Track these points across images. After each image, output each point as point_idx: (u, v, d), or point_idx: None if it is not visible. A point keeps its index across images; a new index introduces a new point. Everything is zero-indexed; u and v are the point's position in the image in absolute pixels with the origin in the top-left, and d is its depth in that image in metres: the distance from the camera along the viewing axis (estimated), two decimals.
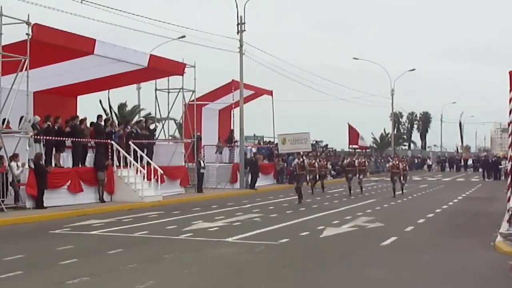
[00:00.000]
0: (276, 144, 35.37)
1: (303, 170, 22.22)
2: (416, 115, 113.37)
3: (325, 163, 29.89)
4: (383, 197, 23.73)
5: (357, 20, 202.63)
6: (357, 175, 26.44)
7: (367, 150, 62.68)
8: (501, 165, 40.77)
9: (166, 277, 8.63)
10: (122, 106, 42.71)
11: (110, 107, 40.34)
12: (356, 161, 27.24)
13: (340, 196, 24.63)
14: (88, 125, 21.67)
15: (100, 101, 38.42)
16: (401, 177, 25.02)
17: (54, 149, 19.70)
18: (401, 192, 24.83)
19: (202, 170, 26.13)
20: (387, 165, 34.47)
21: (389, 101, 60.03)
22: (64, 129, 20.19)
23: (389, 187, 25.26)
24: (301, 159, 22.59)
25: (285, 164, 33.99)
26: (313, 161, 27.79)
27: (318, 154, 38.99)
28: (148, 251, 10.86)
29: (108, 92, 35.88)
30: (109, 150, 21.19)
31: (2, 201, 16.78)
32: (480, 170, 47.13)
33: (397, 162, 25.88)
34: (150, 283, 8.10)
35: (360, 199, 23.61)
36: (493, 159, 46.10)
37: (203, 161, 26.90)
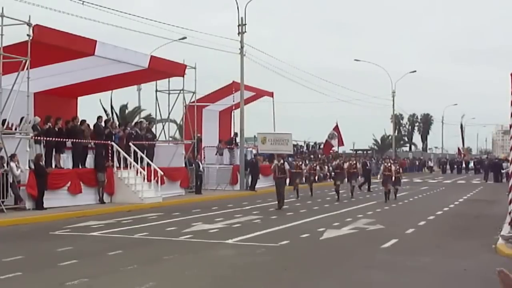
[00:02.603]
0: None
1: (283, 174, 20.61)
2: (417, 117, 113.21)
3: (314, 165, 28.50)
4: (384, 199, 23.62)
5: (358, 21, 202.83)
6: (346, 179, 25.02)
7: (368, 152, 62.72)
8: (503, 168, 40.66)
9: (166, 279, 8.60)
10: (123, 107, 42.75)
11: (112, 108, 40.36)
12: (346, 163, 25.63)
13: (340, 198, 24.51)
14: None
15: (100, 101, 38.44)
16: (394, 180, 23.47)
17: (54, 150, 19.70)
18: (394, 197, 23.54)
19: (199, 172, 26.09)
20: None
21: (390, 103, 60.10)
22: (63, 129, 20.19)
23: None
24: (281, 161, 20.87)
25: None
26: (300, 163, 26.87)
27: (313, 156, 38.83)
28: (148, 253, 10.83)
29: (111, 93, 35.93)
30: (109, 151, 21.18)
31: (2, 202, 16.78)
32: (482, 171, 47.15)
33: (389, 165, 24.12)
34: (149, 284, 8.07)
35: (361, 201, 23.56)
36: (495, 161, 46.05)
37: (201, 163, 26.84)
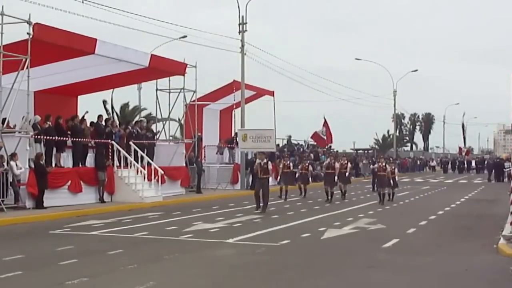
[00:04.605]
0: (278, 145, 35.17)
1: (266, 174, 18.67)
2: (418, 116, 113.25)
3: (306, 164, 27.01)
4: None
5: (359, 20, 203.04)
6: (336, 179, 23.12)
7: (369, 151, 62.66)
8: (505, 168, 40.64)
9: (166, 278, 8.57)
10: (124, 106, 42.78)
11: (113, 107, 40.38)
12: (337, 163, 23.91)
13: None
14: (88, 124, 21.62)
15: (104, 102, 38.45)
16: (389, 181, 21.69)
17: (54, 149, 19.66)
18: (389, 199, 22.02)
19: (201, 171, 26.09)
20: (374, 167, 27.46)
21: (391, 102, 60.14)
22: (63, 127, 20.15)
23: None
24: (264, 160, 18.73)
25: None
26: (288, 162, 25.07)
27: (313, 156, 38.55)
28: (148, 252, 10.80)
29: (112, 92, 35.90)
30: (110, 150, 21.15)
31: (2, 201, 16.75)
32: (485, 171, 47.08)
33: (384, 164, 22.21)
34: (150, 284, 8.03)
35: (362, 200, 23.51)
36: (496, 160, 45.98)
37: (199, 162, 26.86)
